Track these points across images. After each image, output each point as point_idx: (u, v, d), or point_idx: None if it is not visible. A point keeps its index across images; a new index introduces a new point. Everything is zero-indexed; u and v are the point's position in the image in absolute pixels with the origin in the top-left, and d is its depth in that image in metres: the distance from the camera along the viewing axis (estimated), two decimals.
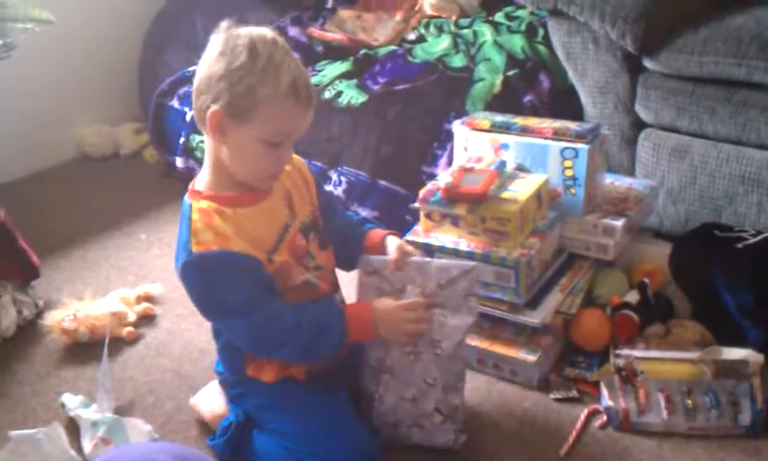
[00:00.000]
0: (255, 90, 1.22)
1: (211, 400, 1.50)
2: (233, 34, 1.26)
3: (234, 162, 1.29)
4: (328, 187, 2.17)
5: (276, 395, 1.38)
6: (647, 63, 1.86)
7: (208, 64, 1.26)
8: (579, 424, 1.44)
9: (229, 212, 1.29)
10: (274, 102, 1.23)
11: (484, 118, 1.76)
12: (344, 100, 2.24)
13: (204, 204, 1.30)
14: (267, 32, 1.28)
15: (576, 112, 2.05)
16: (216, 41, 1.27)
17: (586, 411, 1.47)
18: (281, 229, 1.35)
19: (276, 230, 1.34)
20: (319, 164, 2.19)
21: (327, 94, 2.28)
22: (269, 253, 1.31)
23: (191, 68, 2.54)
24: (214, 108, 1.24)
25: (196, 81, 1.28)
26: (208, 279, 1.28)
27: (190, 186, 1.35)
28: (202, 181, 1.34)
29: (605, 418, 1.45)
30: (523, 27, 2.44)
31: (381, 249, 1.44)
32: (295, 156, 1.43)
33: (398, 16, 2.71)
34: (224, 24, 1.28)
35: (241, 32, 1.26)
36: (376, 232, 1.47)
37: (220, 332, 1.41)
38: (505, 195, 1.56)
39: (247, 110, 1.24)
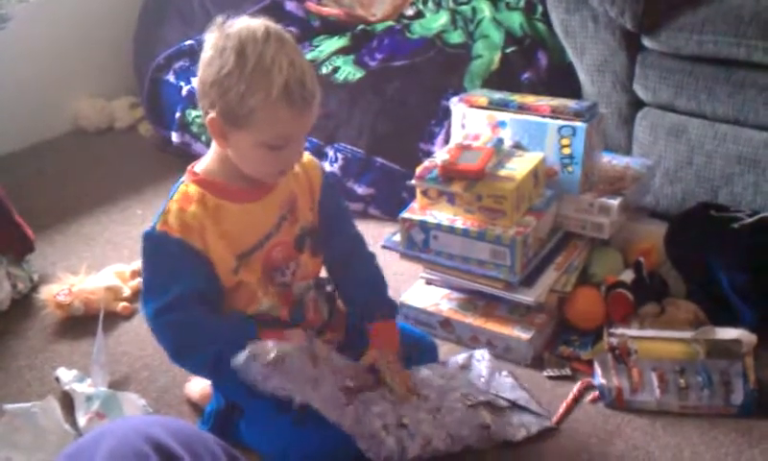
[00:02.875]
0: (246, 98, 1.17)
1: (201, 381, 1.48)
2: (224, 32, 1.20)
3: (240, 163, 1.27)
4: (324, 164, 2.16)
5: None
6: (646, 42, 1.85)
7: (203, 68, 1.22)
8: (571, 396, 1.45)
9: (212, 204, 1.27)
10: (266, 108, 1.18)
11: (481, 95, 1.75)
12: (341, 76, 2.23)
13: (192, 188, 1.28)
14: (260, 27, 1.20)
15: (574, 90, 2.05)
16: (209, 41, 1.22)
17: (579, 384, 1.48)
18: (263, 236, 1.32)
19: (256, 237, 1.31)
20: (315, 140, 2.18)
21: (324, 70, 2.26)
22: (240, 258, 1.29)
23: (187, 42, 2.53)
24: (211, 114, 1.21)
25: (197, 82, 1.25)
26: (157, 260, 1.27)
27: (191, 165, 1.33)
28: (203, 163, 1.32)
29: (597, 393, 1.46)
30: (522, 4, 2.43)
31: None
32: (309, 157, 1.41)
33: None
34: (219, 19, 1.22)
35: (232, 30, 1.20)
36: (386, 332, 1.41)
37: None
38: (502, 173, 1.56)
39: (241, 118, 1.19)
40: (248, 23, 1.22)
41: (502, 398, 1.40)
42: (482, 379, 1.44)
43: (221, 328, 1.28)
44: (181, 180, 1.31)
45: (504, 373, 1.47)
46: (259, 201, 1.32)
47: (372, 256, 1.49)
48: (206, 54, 1.22)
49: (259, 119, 1.19)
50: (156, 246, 1.27)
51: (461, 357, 1.49)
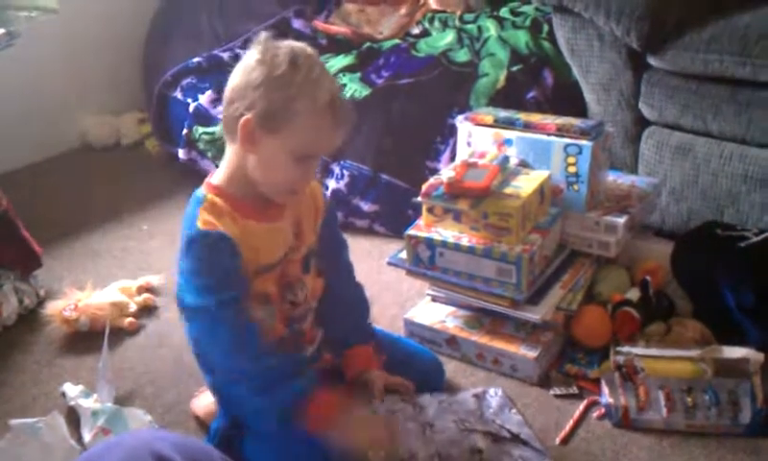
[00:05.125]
0: (293, 102, 1.21)
1: (207, 397, 1.48)
2: (273, 44, 1.25)
3: (259, 172, 1.27)
4: (330, 181, 2.17)
5: None
6: (652, 61, 1.85)
7: (245, 73, 1.24)
8: (577, 413, 1.45)
9: (239, 218, 1.27)
10: (310, 115, 1.22)
11: (487, 113, 1.75)
12: (347, 93, 2.24)
13: (219, 200, 1.27)
14: (306, 46, 1.27)
15: (580, 109, 2.05)
16: (254, 51, 1.25)
17: (585, 401, 1.48)
18: (283, 255, 1.32)
19: (277, 254, 1.31)
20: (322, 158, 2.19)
21: None
22: (257, 272, 1.29)
23: (195, 59, 2.54)
24: (247, 115, 1.22)
25: (228, 90, 1.26)
26: (201, 256, 1.25)
27: (206, 180, 1.32)
28: (217, 178, 1.31)
29: (603, 409, 1.45)
30: (528, 22, 2.44)
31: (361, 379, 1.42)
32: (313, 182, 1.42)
33: (403, 10, 2.71)
34: (262, 35, 1.27)
35: (281, 44, 1.25)
36: (362, 356, 1.44)
37: None
38: (507, 190, 1.56)
39: (281, 121, 1.22)
40: (294, 42, 1.28)
41: (506, 429, 1.39)
42: (490, 410, 1.44)
43: (279, 369, 1.25)
44: (203, 193, 1.29)
45: (514, 410, 1.46)
46: (273, 223, 1.32)
47: (360, 287, 1.51)
48: (251, 60, 1.24)
49: (299, 125, 1.22)
50: (201, 243, 1.24)
51: (476, 390, 1.50)
